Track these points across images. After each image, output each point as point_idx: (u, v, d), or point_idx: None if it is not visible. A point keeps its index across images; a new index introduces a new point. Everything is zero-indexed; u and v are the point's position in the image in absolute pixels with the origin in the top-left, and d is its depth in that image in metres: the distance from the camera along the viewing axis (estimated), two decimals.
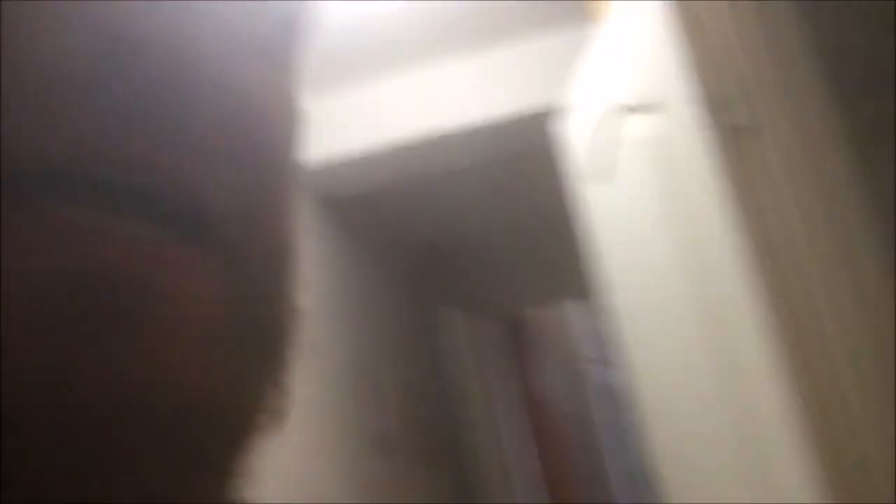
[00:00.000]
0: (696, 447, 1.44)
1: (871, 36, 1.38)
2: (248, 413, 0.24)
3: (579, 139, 1.69)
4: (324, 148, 2.54)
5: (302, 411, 2.22)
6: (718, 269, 1.12)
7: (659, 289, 1.38)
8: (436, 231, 4.24)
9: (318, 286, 2.75)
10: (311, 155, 2.48)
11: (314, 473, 2.37)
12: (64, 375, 0.19)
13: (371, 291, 3.57)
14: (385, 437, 3.15)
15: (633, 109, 1.42)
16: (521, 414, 5.48)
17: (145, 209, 0.20)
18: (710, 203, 1.10)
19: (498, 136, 2.61)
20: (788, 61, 1.24)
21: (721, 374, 1.23)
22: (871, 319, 1.02)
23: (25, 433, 0.18)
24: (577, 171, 1.74)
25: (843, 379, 1.06)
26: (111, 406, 0.19)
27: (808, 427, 1.04)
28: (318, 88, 2.48)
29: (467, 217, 4.04)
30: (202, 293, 0.21)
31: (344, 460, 2.70)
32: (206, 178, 0.21)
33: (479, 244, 4.42)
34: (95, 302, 0.19)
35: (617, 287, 1.67)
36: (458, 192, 3.61)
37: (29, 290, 0.18)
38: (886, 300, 1.09)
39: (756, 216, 1.09)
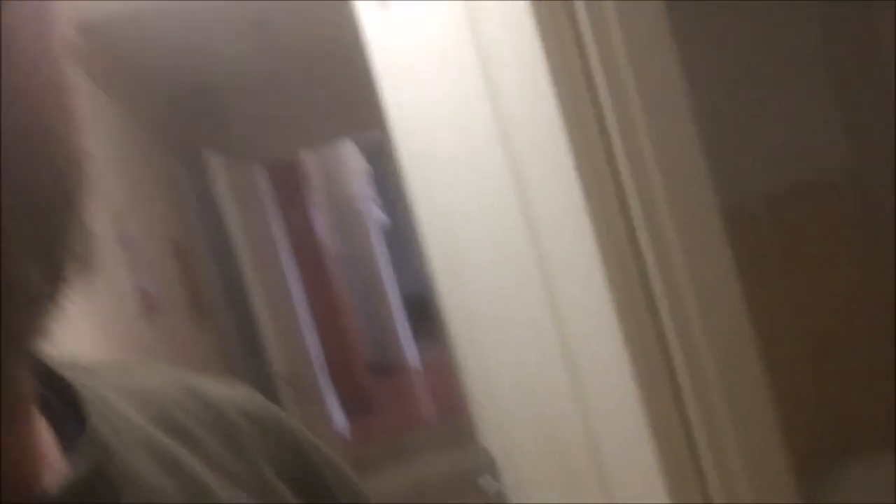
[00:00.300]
0: (490, 283, 1.44)
1: None
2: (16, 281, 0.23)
3: None
4: None
5: None
6: (525, 100, 1.07)
7: (456, 121, 1.32)
8: (196, 72, 3.90)
9: None
10: None
11: (84, 340, 2.18)
12: None
13: (125, 140, 3.24)
14: (154, 298, 2.96)
15: None
16: (296, 258, 5.43)
17: None
18: (517, 28, 1.03)
19: None
20: None
21: (521, 208, 1.21)
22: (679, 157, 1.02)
23: None
24: None
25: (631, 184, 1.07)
26: None
27: (605, 272, 1.05)
28: None
29: (231, 55, 3.73)
30: None
31: (112, 325, 2.51)
32: None
33: (245, 84, 4.13)
34: None
35: (404, 121, 1.60)
36: (217, 27, 3.29)
37: None
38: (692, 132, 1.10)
39: (566, 42, 1.03)
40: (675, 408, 0.96)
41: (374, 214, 7.74)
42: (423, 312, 4.93)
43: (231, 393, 0.40)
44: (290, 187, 6.00)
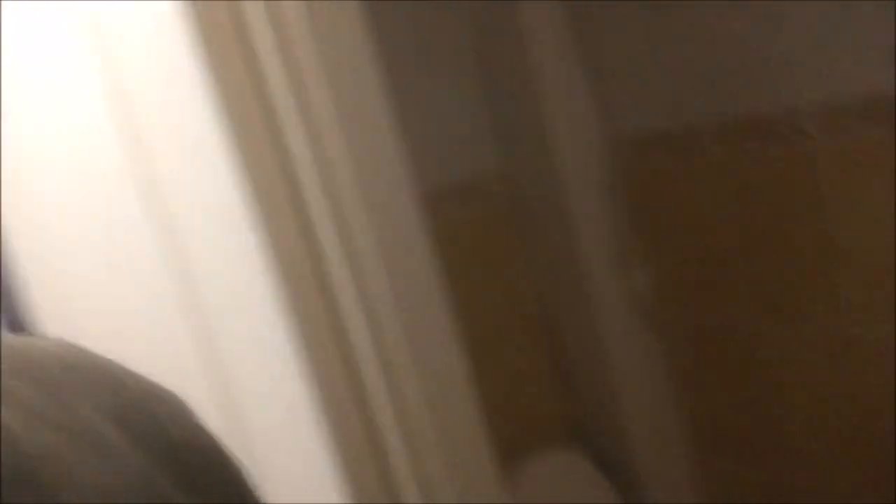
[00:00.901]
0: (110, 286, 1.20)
1: None
2: None
3: None
4: None
5: None
6: (172, 114, 0.87)
7: (62, 108, 1.04)
8: None
9: None
10: None
11: None
12: None
13: None
14: None
15: None
16: None
17: None
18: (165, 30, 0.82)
19: None
20: None
21: (151, 210, 1.00)
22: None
23: None
24: None
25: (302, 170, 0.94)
26: None
27: (278, 286, 0.90)
28: None
29: None
30: None
31: None
32: None
33: None
34: None
35: None
36: None
37: None
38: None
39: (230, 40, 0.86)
40: (367, 439, 0.84)
41: None
42: None
43: (44, 344, 0.43)
44: None
